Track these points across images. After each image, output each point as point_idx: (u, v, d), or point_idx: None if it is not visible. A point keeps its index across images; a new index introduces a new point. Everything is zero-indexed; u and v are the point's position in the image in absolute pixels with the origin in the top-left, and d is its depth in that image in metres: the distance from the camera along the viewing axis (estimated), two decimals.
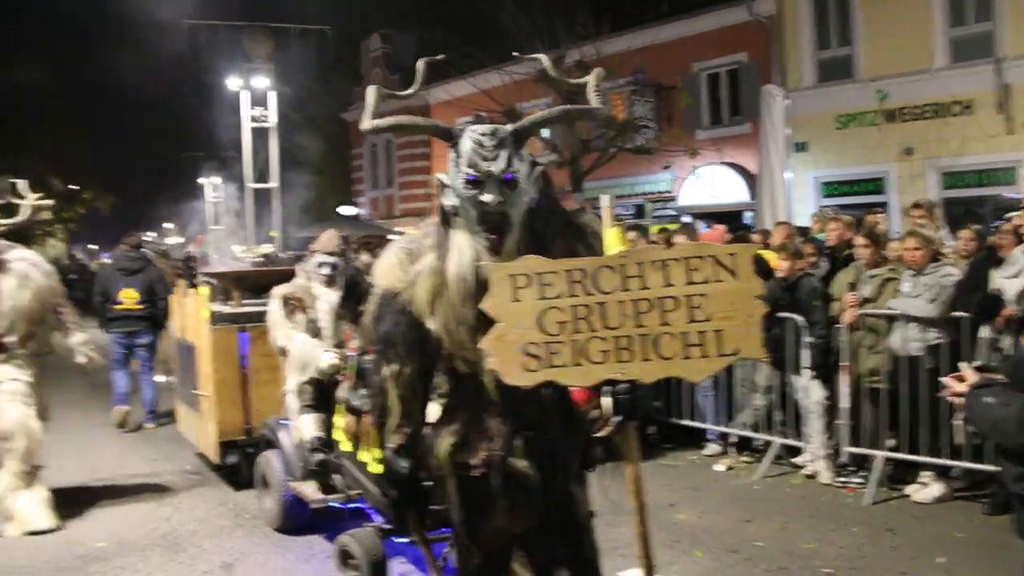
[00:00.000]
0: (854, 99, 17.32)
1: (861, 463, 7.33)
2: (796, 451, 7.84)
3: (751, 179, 18.29)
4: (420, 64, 3.58)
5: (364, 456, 5.07)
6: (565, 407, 3.22)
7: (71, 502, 7.18)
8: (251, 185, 22.54)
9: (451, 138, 3.08)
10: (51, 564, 5.97)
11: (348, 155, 34.51)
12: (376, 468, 4.84)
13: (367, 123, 3.17)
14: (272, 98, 22.38)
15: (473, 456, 3.12)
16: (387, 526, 5.01)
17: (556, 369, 2.98)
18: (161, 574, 5.78)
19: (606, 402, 3.03)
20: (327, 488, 5.83)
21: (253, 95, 22.48)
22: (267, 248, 15.17)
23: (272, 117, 22.16)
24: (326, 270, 6.17)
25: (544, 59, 3.59)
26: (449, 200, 3.05)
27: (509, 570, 3.41)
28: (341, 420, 5.40)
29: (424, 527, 3.55)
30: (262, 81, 22.47)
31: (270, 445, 6.56)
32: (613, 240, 3.17)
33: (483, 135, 2.99)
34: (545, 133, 19.41)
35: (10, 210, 7.29)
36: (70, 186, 42.36)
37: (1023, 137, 15.16)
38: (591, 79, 3.26)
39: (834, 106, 17.58)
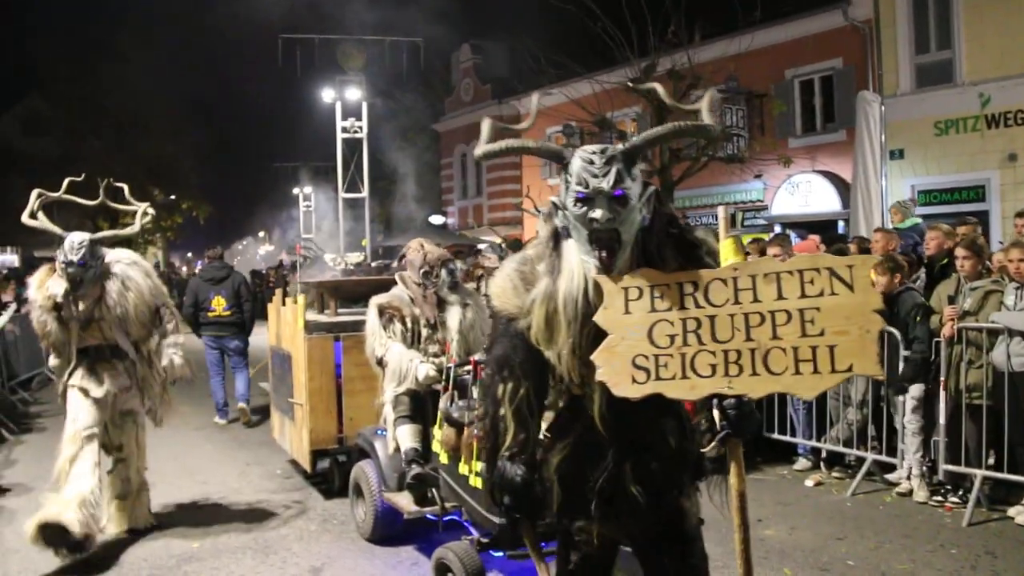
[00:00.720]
0: (954, 104, 16.85)
1: (959, 482, 7.12)
2: (889, 467, 7.65)
3: (845, 188, 17.92)
4: (534, 98, 3.65)
5: (463, 469, 5.00)
6: (677, 422, 3.22)
7: (167, 503, 7.43)
8: (343, 195, 22.95)
9: (562, 159, 3.11)
10: (149, 563, 6.16)
11: (438, 165, 34.90)
12: (476, 482, 4.81)
13: (480, 150, 3.22)
14: (364, 109, 22.75)
15: (582, 473, 3.17)
16: (484, 539, 5.00)
17: (663, 382, 2.97)
18: None
19: (713, 416, 3.04)
20: (422, 499, 5.80)
21: (345, 106, 22.90)
22: (357, 257, 15.45)
23: (364, 128, 22.53)
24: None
25: (659, 87, 3.59)
26: (561, 221, 3.09)
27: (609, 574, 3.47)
28: (440, 432, 5.39)
29: (536, 535, 3.58)
30: (354, 93, 22.87)
31: (363, 454, 6.61)
32: (728, 252, 3.14)
33: (593, 153, 3.00)
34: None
35: (109, 213, 7.36)
36: (170, 196, 43.73)
37: None
38: (705, 101, 3.20)
39: (932, 112, 17.12)
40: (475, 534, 5.14)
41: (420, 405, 6.02)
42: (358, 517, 6.57)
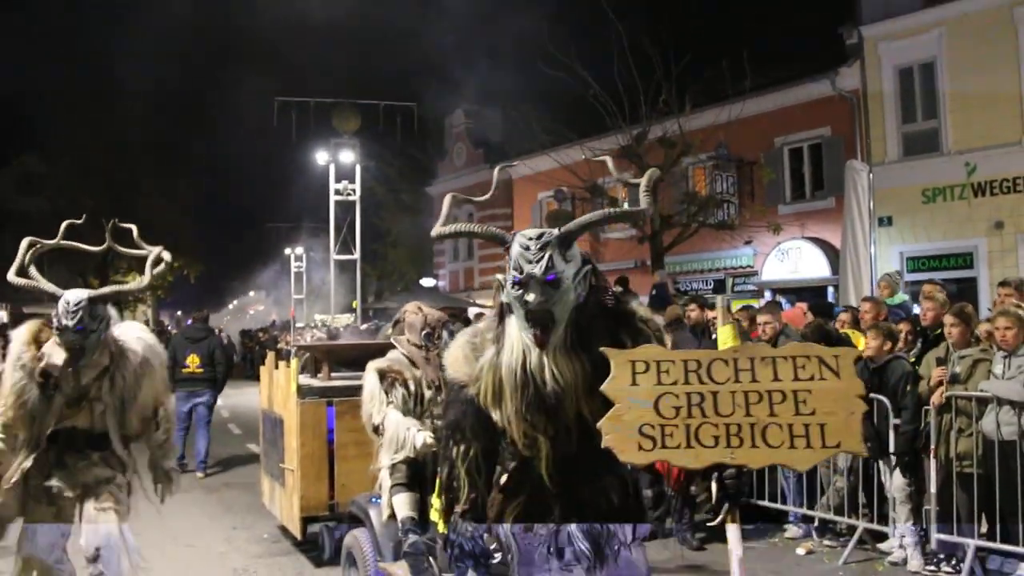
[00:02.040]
0: (941, 172, 17.14)
1: (951, 551, 7.09)
2: (882, 536, 7.62)
3: (834, 254, 18.10)
4: (495, 172, 4.09)
5: None
6: (619, 481, 3.46)
7: (149, 568, 7.27)
8: (335, 256, 23.02)
9: (504, 243, 3.35)
10: None
11: (430, 227, 34.99)
12: None
13: (435, 229, 3.61)
14: (358, 172, 22.94)
15: (533, 529, 3.40)
16: None
17: (668, 450, 3.17)
18: None
19: (713, 487, 3.25)
20: (418, 570, 5.59)
21: (339, 169, 23.10)
22: (347, 318, 15.51)
23: (357, 191, 22.70)
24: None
25: (609, 160, 3.99)
26: (505, 298, 3.31)
27: None
28: (438, 501, 5.30)
29: None
30: (348, 156, 23.08)
31: (356, 522, 6.46)
32: (726, 336, 3.46)
33: (529, 239, 3.24)
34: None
35: (100, 271, 6.53)
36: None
37: None
38: (643, 180, 3.47)
39: (920, 180, 17.39)
40: None
41: (418, 473, 5.95)
42: None
